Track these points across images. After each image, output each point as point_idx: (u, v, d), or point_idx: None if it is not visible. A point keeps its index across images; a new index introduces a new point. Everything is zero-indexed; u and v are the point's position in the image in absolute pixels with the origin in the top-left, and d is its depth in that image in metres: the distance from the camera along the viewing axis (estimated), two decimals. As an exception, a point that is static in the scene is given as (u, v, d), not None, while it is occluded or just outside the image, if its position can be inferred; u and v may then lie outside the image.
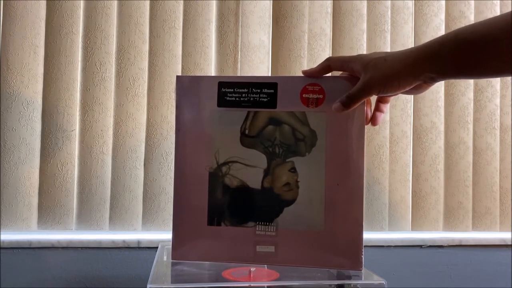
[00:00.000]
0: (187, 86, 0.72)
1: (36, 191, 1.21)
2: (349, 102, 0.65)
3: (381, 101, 0.70)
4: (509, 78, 1.44)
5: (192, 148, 0.71)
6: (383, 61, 0.61)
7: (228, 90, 0.71)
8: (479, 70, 0.55)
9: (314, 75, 0.69)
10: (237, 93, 0.70)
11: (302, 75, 0.70)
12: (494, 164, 1.42)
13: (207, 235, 0.71)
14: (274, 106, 0.70)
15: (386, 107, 0.71)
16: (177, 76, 0.73)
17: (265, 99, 0.70)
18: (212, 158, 0.71)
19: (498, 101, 1.44)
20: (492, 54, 0.52)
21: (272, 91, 0.70)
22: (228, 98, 0.71)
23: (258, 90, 0.70)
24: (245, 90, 0.70)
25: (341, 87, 0.67)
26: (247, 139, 0.70)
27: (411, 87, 0.61)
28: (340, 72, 0.70)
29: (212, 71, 1.30)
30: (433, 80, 0.59)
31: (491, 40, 0.51)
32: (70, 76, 1.23)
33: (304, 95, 0.69)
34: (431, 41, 0.58)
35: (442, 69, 0.57)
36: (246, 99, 0.70)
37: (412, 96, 1.40)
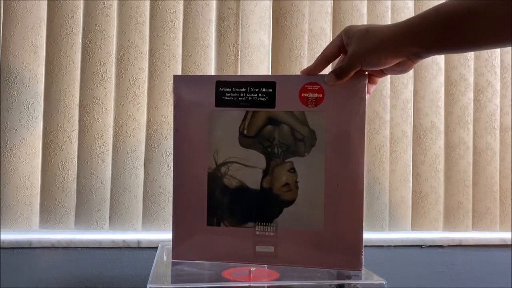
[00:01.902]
0: (185, 85, 0.71)
1: (37, 190, 1.22)
2: (341, 74, 0.65)
3: (368, 81, 0.69)
4: (509, 78, 1.44)
5: (190, 148, 0.71)
6: (364, 33, 0.60)
7: (226, 89, 0.70)
8: (461, 43, 0.54)
9: (312, 72, 0.68)
10: (235, 92, 0.70)
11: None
12: (494, 164, 1.42)
13: (206, 235, 0.71)
14: (273, 106, 0.69)
15: (372, 88, 0.70)
16: (175, 76, 0.72)
17: (263, 99, 0.69)
18: (211, 158, 0.70)
19: (498, 101, 1.43)
20: (473, 26, 0.51)
21: (270, 90, 0.69)
22: (226, 98, 0.70)
23: (256, 90, 0.69)
24: (243, 89, 0.70)
25: (341, 86, 0.67)
26: (246, 139, 0.70)
27: (393, 63, 0.60)
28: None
29: (212, 71, 1.30)
30: (417, 56, 0.58)
31: (471, 12, 0.51)
32: (71, 76, 1.23)
33: (303, 95, 0.69)
34: (413, 16, 0.57)
35: (425, 42, 0.56)
36: (244, 98, 0.70)
37: (413, 96, 1.40)
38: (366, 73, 0.67)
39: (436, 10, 0.54)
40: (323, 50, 0.67)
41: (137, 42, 1.26)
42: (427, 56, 0.59)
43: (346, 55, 0.64)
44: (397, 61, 0.60)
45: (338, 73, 0.65)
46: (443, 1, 0.55)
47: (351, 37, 0.62)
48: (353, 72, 0.64)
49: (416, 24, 0.56)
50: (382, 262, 1.32)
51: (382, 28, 0.59)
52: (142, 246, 1.22)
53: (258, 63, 1.32)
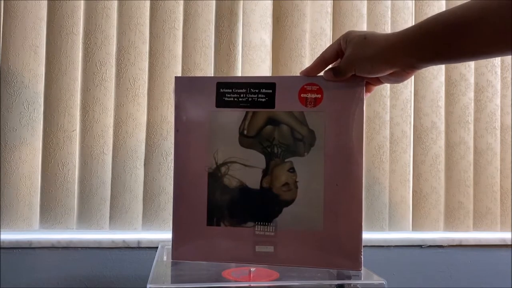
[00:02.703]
0: (186, 86, 0.72)
1: (37, 191, 1.22)
2: (337, 74, 0.66)
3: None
4: (509, 78, 1.44)
5: (191, 149, 0.71)
6: (362, 39, 0.61)
7: (227, 90, 0.70)
8: (456, 53, 0.53)
9: (311, 73, 0.69)
10: (235, 93, 0.70)
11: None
12: (494, 164, 1.42)
13: (206, 235, 0.71)
14: (273, 106, 0.69)
15: (366, 96, 0.70)
16: (176, 77, 0.73)
17: (263, 99, 0.70)
18: (211, 158, 0.71)
19: (498, 101, 1.43)
20: (468, 35, 0.51)
21: (270, 91, 0.70)
22: (226, 99, 0.70)
23: (256, 90, 0.70)
24: (243, 90, 0.70)
25: (340, 86, 0.67)
26: (246, 139, 0.70)
27: (387, 73, 0.60)
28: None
29: (212, 71, 1.30)
30: (411, 66, 0.58)
31: (467, 22, 0.51)
32: (71, 76, 1.23)
33: (302, 95, 0.69)
34: (410, 26, 0.57)
35: (419, 53, 0.56)
36: (244, 99, 0.70)
37: (413, 96, 1.40)
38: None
39: (433, 19, 0.54)
40: (322, 52, 0.68)
41: (137, 43, 1.27)
42: (423, 67, 0.59)
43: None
44: (391, 70, 0.60)
45: (335, 72, 0.66)
46: (442, 10, 0.55)
47: (348, 41, 0.62)
48: (348, 75, 0.65)
49: (412, 35, 0.56)
50: (382, 262, 1.32)
51: (379, 36, 0.60)
52: (142, 246, 1.22)
53: (259, 62, 1.32)
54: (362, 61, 0.61)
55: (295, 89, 0.69)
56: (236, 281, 0.78)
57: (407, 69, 0.59)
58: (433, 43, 0.54)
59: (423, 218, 1.39)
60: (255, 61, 1.31)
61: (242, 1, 1.31)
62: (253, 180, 0.70)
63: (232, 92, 0.70)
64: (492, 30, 0.49)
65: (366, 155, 1.35)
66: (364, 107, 0.68)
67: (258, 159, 0.70)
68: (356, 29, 1.36)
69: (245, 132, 0.70)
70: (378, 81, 0.66)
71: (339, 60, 0.67)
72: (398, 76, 0.61)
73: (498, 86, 1.44)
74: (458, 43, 0.52)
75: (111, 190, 1.24)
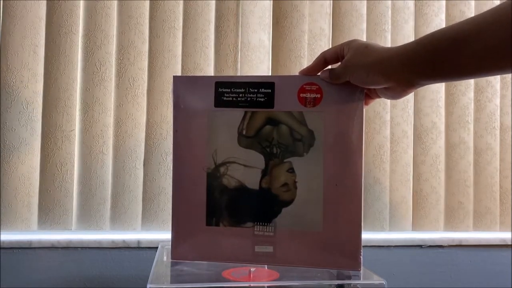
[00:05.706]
0: (184, 86, 0.71)
1: (36, 191, 1.22)
2: (333, 76, 0.66)
3: None
4: (509, 78, 1.44)
5: (189, 149, 0.71)
6: (363, 48, 0.60)
7: (225, 90, 0.70)
8: (453, 70, 0.52)
9: (310, 72, 0.68)
10: (234, 93, 0.70)
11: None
12: (494, 164, 1.42)
13: (205, 235, 0.71)
14: (272, 106, 0.69)
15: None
16: (174, 76, 0.72)
17: (262, 99, 0.69)
18: (209, 158, 0.70)
19: (498, 101, 1.43)
20: (466, 51, 0.50)
21: (269, 90, 0.69)
22: (225, 98, 0.70)
23: (255, 90, 0.69)
24: (242, 90, 0.70)
25: (339, 86, 0.67)
26: (245, 139, 0.70)
27: (382, 86, 0.60)
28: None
29: (211, 71, 1.30)
30: (407, 82, 0.57)
31: (464, 37, 0.50)
32: (70, 76, 1.23)
33: (301, 95, 0.69)
34: (409, 42, 0.57)
35: (416, 68, 0.55)
36: (243, 99, 0.70)
37: (413, 96, 1.39)
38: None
39: (431, 35, 0.54)
40: (324, 51, 0.67)
41: (137, 42, 1.26)
42: (420, 85, 0.58)
43: None
44: (386, 84, 0.59)
45: (331, 74, 0.66)
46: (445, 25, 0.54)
47: (350, 48, 0.62)
48: (342, 80, 0.64)
49: (409, 49, 0.55)
50: (382, 262, 1.32)
51: (380, 48, 0.59)
52: (142, 246, 1.22)
53: (258, 63, 1.31)
54: (358, 68, 0.60)
55: (294, 89, 0.69)
56: (236, 281, 0.78)
57: (404, 85, 0.58)
58: (430, 58, 0.53)
59: (423, 218, 1.39)
60: (253, 62, 1.31)
61: (241, 1, 1.31)
62: (252, 180, 0.70)
63: (230, 91, 0.70)
64: (490, 45, 0.48)
65: (367, 155, 1.35)
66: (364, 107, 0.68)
67: (257, 159, 0.70)
68: (355, 29, 1.36)
69: (244, 132, 0.70)
70: (376, 94, 0.66)
71: (339, 63, 0.67)
72: (395, 92, 0.61)
73: (498, 86, 1.44)
74: (455, 58, 0.51)
75: (111, 190, 1.24)
